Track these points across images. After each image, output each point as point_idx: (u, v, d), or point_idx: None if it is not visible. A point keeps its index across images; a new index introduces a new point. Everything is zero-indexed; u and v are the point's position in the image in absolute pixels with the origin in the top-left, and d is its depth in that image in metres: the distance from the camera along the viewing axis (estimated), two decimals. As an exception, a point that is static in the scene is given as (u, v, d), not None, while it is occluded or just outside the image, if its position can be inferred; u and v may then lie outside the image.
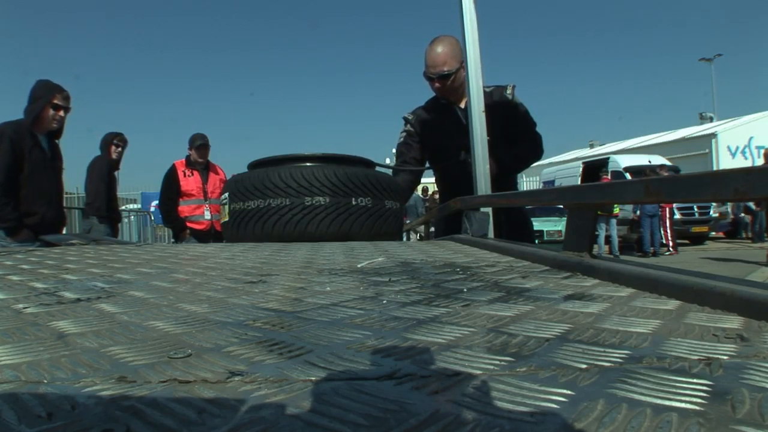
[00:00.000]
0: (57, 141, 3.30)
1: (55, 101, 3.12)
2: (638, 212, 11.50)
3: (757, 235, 13.29)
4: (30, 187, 3.02)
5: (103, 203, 4.38)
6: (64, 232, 3.79)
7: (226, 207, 2.86)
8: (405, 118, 2.90)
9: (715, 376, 0.50)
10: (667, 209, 11.41)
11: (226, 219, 2.87)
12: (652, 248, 11.22)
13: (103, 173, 4.39)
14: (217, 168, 4.69)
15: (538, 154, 2.88)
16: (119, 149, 4.55)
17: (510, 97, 2.73)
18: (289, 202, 2.61)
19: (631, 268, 1.06)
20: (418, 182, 3.21)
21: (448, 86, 2.68)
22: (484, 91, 2.49)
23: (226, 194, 2.88)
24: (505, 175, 2.66)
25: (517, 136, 2.74)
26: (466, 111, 2.56)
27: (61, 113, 3.17)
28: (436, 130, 2.80)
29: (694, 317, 0.75)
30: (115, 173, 4.63)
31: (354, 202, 2.66)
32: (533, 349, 0.60)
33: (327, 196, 2.62)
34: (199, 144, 4.50)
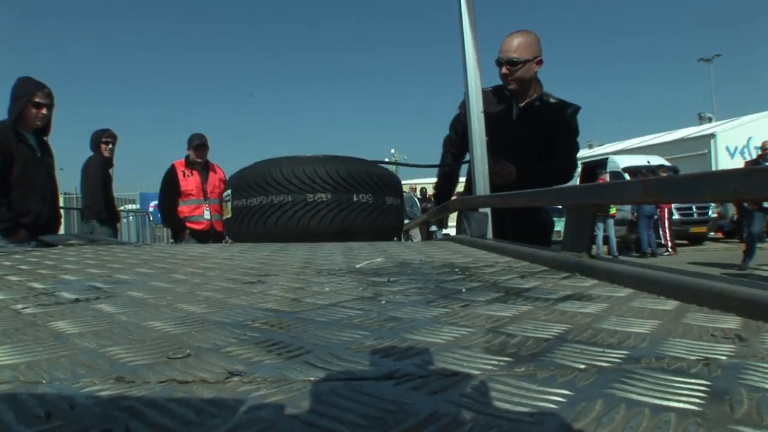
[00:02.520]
0: (46, 138, 3.24)
1: (36, 99, 3.04)
2: (636, 213, 11.49)
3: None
4: (23, 186, 2.98)
5: (103, 205, 4.33)
6: (61, 231, 3.77)
7: (229, 204, 2.86)
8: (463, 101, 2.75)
9: (713, 377, 0.50)
10: (666, 209, 11.41)
11: (229, 216, 2.88)
12: (650, 249, 11.22)
13: (98, 173, 4.33)
14: (216, 167, 4.68)
15: (563, 179, 2.70)
16: (110, 146, 4.47)
17: (571, 117, 2.63)
18: (290, 198, 2.62)
19: (629, 269, 1.06)
20: (457, 176, 3.01)
21: (515, 76, 2.57)
22: (550, 101, 2.46)
23: (229, 191, 2.89)
24: (521, 186, 2.53)
25: (554, 154, 2.61)
26: (524, 109, 2.53)
27: (44, 111, 3.09)
28: (485, 119, 2.64)
29: (693, 317, 0.75)
30: (110, 171, 4.57)
31: (355, 199, 2.67)
32: (532, 349, 0.60)
33: (328, 193, 2.63)
34: (198, 144, 4.49)
